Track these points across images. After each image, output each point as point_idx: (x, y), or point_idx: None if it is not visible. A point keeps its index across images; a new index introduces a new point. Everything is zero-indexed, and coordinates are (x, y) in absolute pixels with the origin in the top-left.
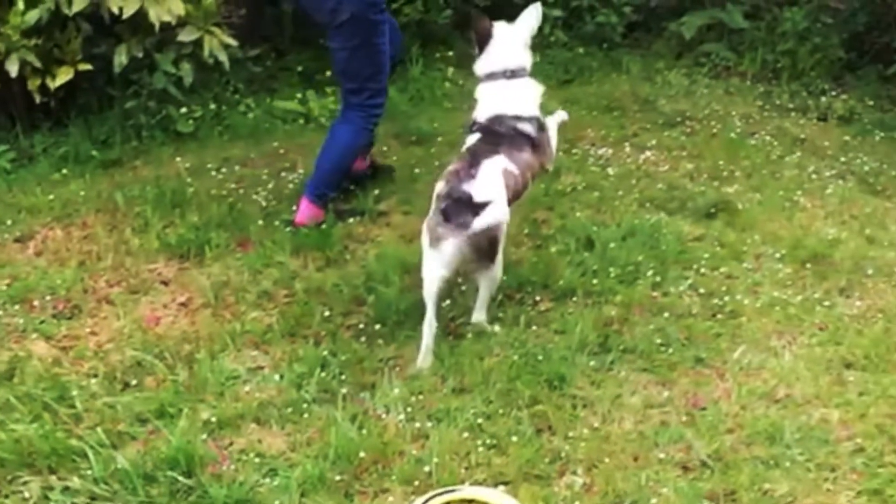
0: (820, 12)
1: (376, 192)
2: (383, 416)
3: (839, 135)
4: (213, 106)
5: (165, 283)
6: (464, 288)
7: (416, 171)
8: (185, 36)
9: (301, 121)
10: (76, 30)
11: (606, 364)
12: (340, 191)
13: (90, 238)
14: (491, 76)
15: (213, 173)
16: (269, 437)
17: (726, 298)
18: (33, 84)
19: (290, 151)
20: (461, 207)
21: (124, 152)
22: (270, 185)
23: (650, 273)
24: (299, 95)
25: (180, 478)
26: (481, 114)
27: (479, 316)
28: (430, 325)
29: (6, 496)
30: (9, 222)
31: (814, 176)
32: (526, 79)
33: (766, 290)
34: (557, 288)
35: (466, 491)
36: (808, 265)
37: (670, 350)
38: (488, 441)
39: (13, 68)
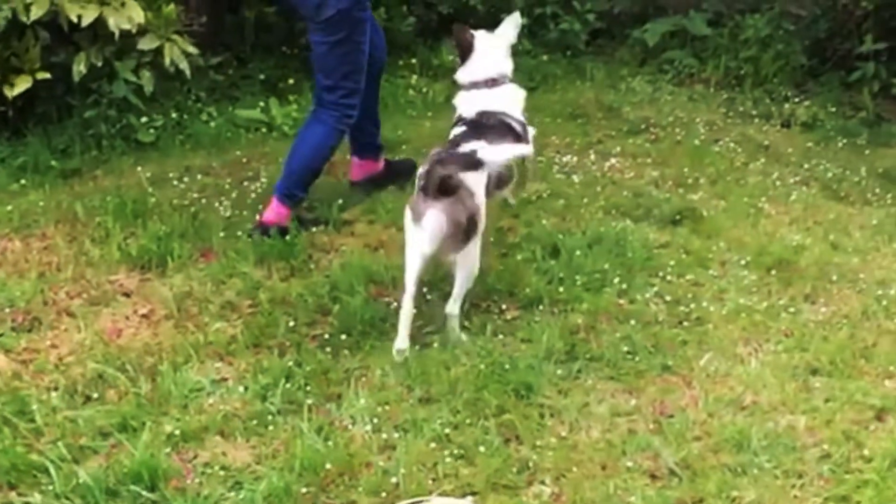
0: (782, 19)
1: (340, 201)
2: (349, 427)
3: (802, 141)
4: (174, 115)
5: (127, 295)
6: (429, 297)
7: None
8: (146, 44)
9: (263, 129)
10: (34, 38)
11: (573, 372)
12: (308, 192)
13: (50, 249)
14: (474, 84)
15: (175, 183)
16: (233, 449)
17: (692, 305)
18: None
19: (252, 160)
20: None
21: (84, 162)
22: (233, 195)
23: (616, 280)
24: (262, 104)
25: (143, 492)
26: (467, 112)
27: (452, 309)
28: (407, 308)
29: None
30: None
31: (778, 182)
32: (508, 84)
33: (732, 297)
34: (524, 296)
35: (434, 502)
36: (773, 272)
37: (637, 358)
38: (456, 451)
39: None
